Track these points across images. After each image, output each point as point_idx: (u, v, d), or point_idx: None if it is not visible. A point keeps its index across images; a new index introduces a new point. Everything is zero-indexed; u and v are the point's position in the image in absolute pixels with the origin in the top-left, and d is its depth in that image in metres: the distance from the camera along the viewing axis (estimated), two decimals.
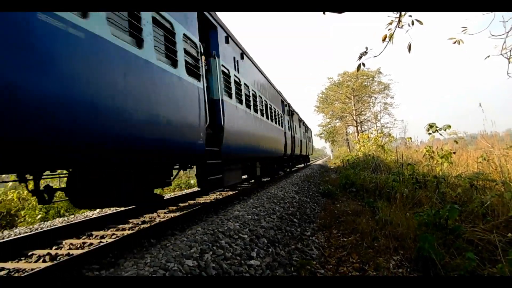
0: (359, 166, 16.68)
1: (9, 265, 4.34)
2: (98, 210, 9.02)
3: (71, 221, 7.25)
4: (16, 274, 4.08)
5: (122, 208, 7.65)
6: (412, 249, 4.71)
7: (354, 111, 51.55)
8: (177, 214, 7.17)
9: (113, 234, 5.79)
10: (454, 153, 9.61)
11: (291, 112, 21.34)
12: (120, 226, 6.36)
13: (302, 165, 32.35)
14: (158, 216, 7.27)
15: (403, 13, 3.94)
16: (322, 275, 4.05)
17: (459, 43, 4.20)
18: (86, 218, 6.98)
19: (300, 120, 26.50)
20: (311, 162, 47.04)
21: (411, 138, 16.73)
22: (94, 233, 5.84)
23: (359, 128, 51.40)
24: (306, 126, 31.85)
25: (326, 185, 13.02)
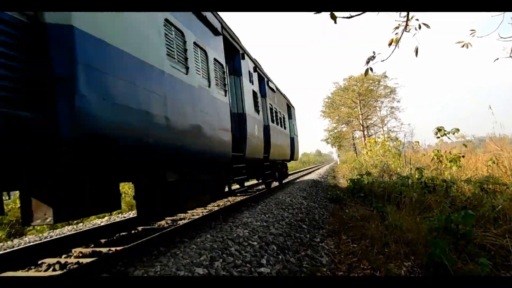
0: (366, 171, 16.58)
1: (20, 274, 4.36)
2: (106, 218, 9.05)
3: (80, 229, 7.27)
4: None
5: (131, 216, 7.79)
6: (423, 254, 4.65)
7: (360, 116, 51.40)
8: (186, 221, 7.16)
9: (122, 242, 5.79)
10: (463, 156, 9.53)
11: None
12: (129, 234, 6.37)
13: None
14: (167, 223, 7.27)
15: (410, 16, 3.93)
16: (324, 276, 4.02)
17: (467, 47, 4.17)
18: (95, 226, 7.00)
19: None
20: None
21: (418, 142, 16.65)
22: (103, 241, 5.85)
23: (365, 132, 51.21)
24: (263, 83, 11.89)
25: (334, 190, 12.96)
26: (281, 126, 14.22)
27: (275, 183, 16.28)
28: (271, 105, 12.34)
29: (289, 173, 32.98)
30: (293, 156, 17.34)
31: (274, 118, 12.59)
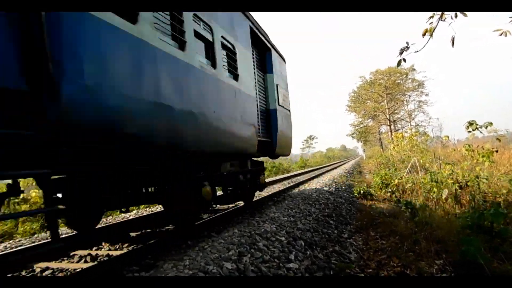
0: (394, 168, 16.27)
1: (53, 265, 4.47)
2: (134, 211, 9.19)
3: (109, 222, 7.42)
4: (60, 274, 4.19)
5: (158, 210, 7.94)
6: (455, 252, 4.52)
7: (387, 110, 50.42)
8: (213, 215, 7.20)
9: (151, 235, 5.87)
10: (496, 151, 9.19)
11: None
12: (157, 228, 6.45)
13: None
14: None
15: None
16: (326, 276, 3.95)
17: (505, 35, 3.96)
18: (124, 220, 7.13)
19: None
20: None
21: (448, 137, 16.20)
22: (132, 234, 5.95)
23: (392, 127, 50.23)
24: None
25: (361, 186, 12.79)
26: (230, 74, 6.33)
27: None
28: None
29: (315, 167, 32.21)
30: (274, 146, 8.42)
31: (192, 42, 4.75)
